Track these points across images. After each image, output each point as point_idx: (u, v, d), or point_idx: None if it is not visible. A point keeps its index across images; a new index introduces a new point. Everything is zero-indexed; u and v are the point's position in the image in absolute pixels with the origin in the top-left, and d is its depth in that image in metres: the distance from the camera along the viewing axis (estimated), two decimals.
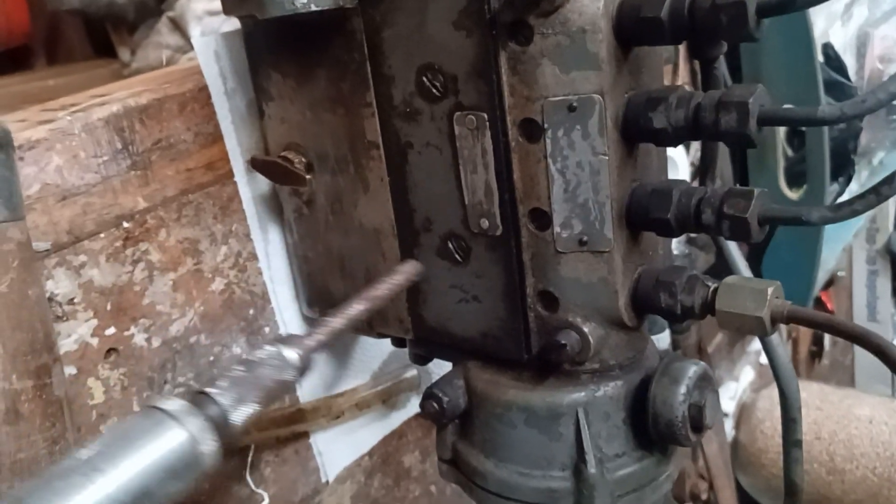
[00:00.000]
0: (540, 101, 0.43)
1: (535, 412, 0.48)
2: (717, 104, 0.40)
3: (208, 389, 0.39)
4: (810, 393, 1.45)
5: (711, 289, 0.44)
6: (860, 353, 1.98)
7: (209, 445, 0.37)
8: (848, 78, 1.30)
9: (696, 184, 0.46)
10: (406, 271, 0.51)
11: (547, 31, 0.42)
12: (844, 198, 1.45)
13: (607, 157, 0.43)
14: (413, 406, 0.75)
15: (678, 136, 0.42)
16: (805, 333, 1.73)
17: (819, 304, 1.71)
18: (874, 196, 0.37)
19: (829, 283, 1.73)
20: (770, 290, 0.42)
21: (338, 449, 0.69)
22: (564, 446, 0.48)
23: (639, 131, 0.43)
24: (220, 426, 0.38)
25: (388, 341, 0.60)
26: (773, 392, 1.43)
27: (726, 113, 0.40)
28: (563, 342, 0.46)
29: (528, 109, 0.44)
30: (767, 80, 1.13)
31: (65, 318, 0.50)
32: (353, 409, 0.68)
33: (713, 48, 0.45)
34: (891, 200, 0.41)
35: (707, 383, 0.48)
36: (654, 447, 0.49)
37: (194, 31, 0.98)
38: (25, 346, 0.43)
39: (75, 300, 0.50)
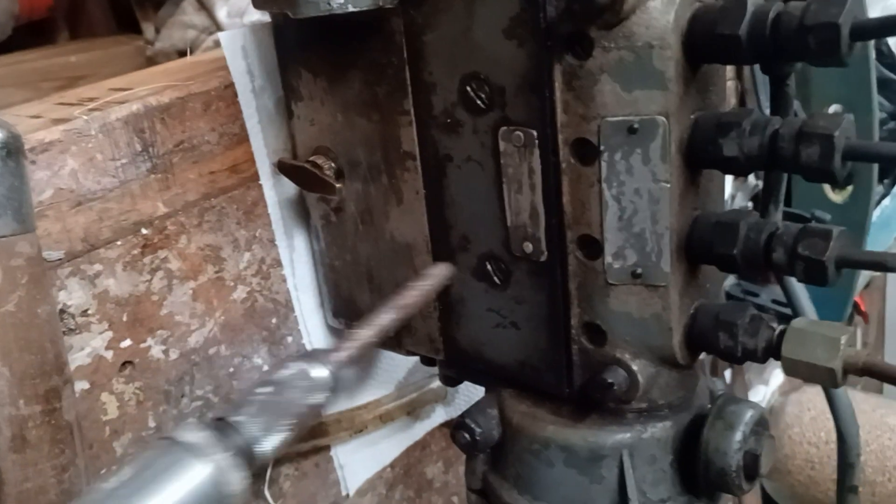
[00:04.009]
0: (596, 120, 0.39)
1: (576, 452, 0.45)
2: (798, 134, 0.36)
3: (233, 418, 0.36)
4: None
5: (777, 332, 0.41)
6: (890, 358, 1.93)
7: (237, 482, 0.34)
8: None
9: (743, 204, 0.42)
10: (437, 275, 0.47)
11: (609, 44, 0.38)
12: (887, 201, 1.39)
13: (669, 185, 0.39)
14: (437, 416, 0.72)
15: (750, 166, 0.38)
16: None
17: (853, 306, 1.66)
18: None
19: (865, 285, 1.68)
20: (843, 339, 0.38)
21: (359, 461, 0.66)
22: (606, 490, 0.45)
23: (706, 158, 0.39)
24: (248, 458, 0.35)
25: None
26: (801, 397, 1.39)
27: (808, 145, 0.36)
28: (610, 381, 0.42)
29: (582, 129, 0.40)
30: (817, 76, 1.08)
31: (77, 331, 0.47)
32: (376, 422, 0.65)
33: (788, 65, 0.41)
34: None
35: (764, 428, 0.44)
36: (700, 492, 0.46)
37: (220, 12, 0.94)
38: (34, 369, 0.40)
39: (89, 312, 0.48)
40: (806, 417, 1.35)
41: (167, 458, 0.33)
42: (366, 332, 0.42)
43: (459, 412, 0.73)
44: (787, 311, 1.00)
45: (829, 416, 1.32)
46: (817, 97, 1.09)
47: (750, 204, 1.02)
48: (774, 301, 1.01)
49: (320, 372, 0.38)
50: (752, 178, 1.05)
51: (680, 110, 0.38)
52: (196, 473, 0.33)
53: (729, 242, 0.39)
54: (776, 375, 1.45)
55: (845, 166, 0.36)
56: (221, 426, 0.35)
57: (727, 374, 1.21)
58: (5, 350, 0.38)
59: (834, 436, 1.31)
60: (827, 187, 1.14)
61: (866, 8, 0.34)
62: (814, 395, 1.36)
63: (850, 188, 1.15)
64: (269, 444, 0.36)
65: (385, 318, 0.43)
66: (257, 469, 0.36)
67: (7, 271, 0.39)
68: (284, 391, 0.37)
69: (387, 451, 0.69)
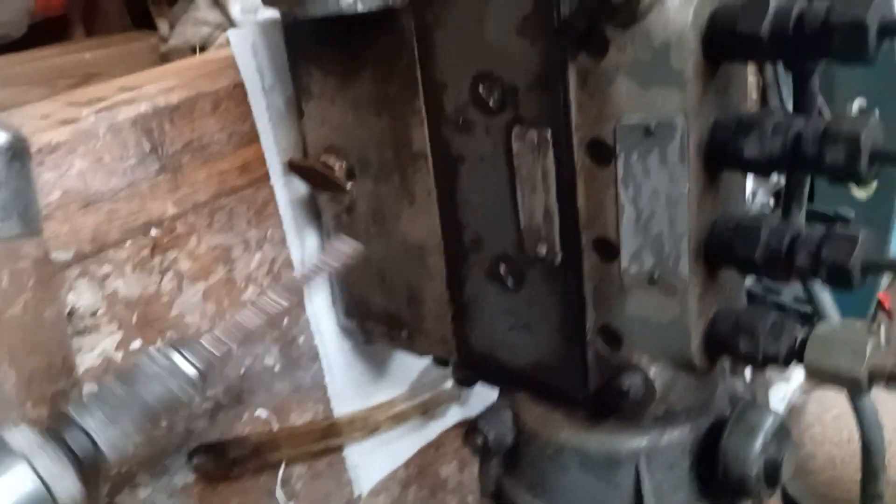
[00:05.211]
0: (612, 120, 0.38)
1: (592, 457, 0.44)
2: (822, 136, 0.35)
3: (72, 411, 0.31)
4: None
5: (800, 338, 0.39)
6: None
7: (67, 490, 0.29)
8: None
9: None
10: (341, 252, 0.43)
11: (625, 43, 0.36)
12: None
13: (687, 188, 0.38)
14: (452, 416, 0.71)
15: (771, 167, 0.37)
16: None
17: (876, 303, 1.63)
18: None
19: (890, 282, 1.65)
20: (869, 346, 0.37)
21: (373, 461, 0.66)
22: (622, 496, 0.44)
23: (725, 159, 0.38)
24: (87, 460, 0.31)
25: None
26: (823, 395, 1.37)
27: (833, 147, 0.34)
28: (625, 387, 0.41)
29: (597, 129, 0.39)
30: (840, 68, 1.06)
31: (87, 333, 0.47)
32: (390, 422, 0.64)
33: (812, 62, 0.40)
34: None
35: (786, 435, 0.43)
36: (719, 498, 0.45)
37: (234, 8, 0.94)
38: (41, 372, 0.40)
39: (98, 313, 0.47)
40: (828, 416, 1.33)
41: None
42: (248, 320, 0.37)
43: (474, 412, 0.72)
44: (808, 309, 0.98)
45: (851, 416, 1.30)
46: (841, 90, 1.07)
47: (772, 200, 1.01)
48: (797, 299, 0.99)
49: (188, 367, 0.33)
50: (774, 174, 1.04)
51: (699, 110, 0.37)
52: (19, 480, 0.28)
53: (750, 245, 0.38)
54: (798, 373, 1.43)
55: (872, 168, 0.34)
56: (62, 425, 0.31)
57: (747, 371, 1.20)
58: (12, 353, 0.38)
59: (856, 435, 1.29)
60: (850, 184, 1.12)
61: (893, 4, 0.33)
62: (836, 394, 1.34)
63: (874, 184, 1.12)
64: (114, 444, 0.31)
65: (272, 304, 0.38)
66: (100, 472, 0.33)
67: (13, 274, 0.38)
68: (141, 383, 0.32)
69: (400, 451, 0.68)
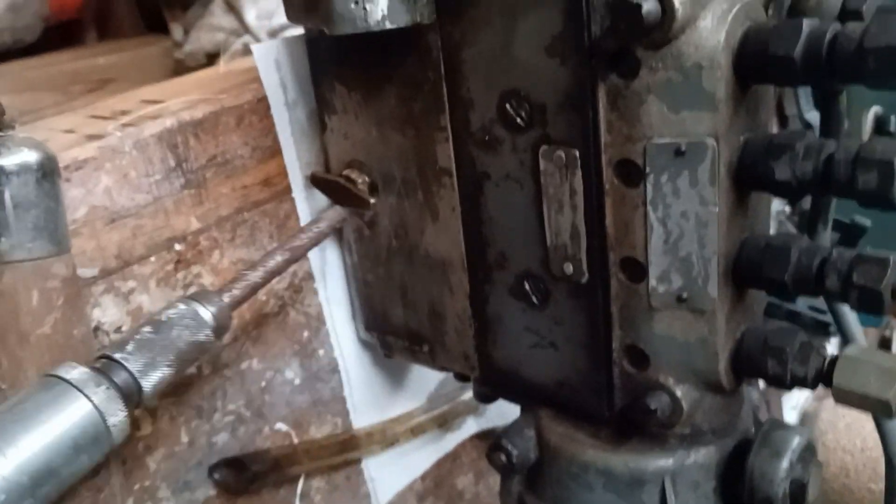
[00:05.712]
0: (642, 141, 0.38)
1: (616, 476, 0.44)
2: (855, 159, 0.35)
3: (115, 354, 0.37)
4: None
5: (828, 360, 0.39)
6: None
7: (117, 416, 0.35)
8: None
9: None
10: (329, 218, 0.51)
11: (656, 64, 0.36)
12: None
13: (717, 209, 0.38)
14: (469, 428, 0.71)
15: (802, 190, 0.37)
16: None
17: None
18: None
19: None
20: None
21: (390, 474, 0.66)
22: None
23: (756, 181, 0.38)
24: (129, 394, 0.37)
25: None
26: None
27: (865, 171, 0.34)
28: (653, 406, 0.41)
29: (627, 150, 0.39)
30: None
31: None
32: (407, 435, 0.64)
33: (844, 85, 0.39)
34: None
35: (812, 455, 0.43)
36: None
37: (249, 14, 0.94)
38: None
39: (123, 328, 0.47)
40: (841, 424, 1.33)
41: (47, 394, 0.35)
42: (254, 274, 0.45)
43: (491, 423, 0.72)
44: (824, 318, 0.98)
45: (865, 423, 1.29)
46: (856, 99, 1.06)
47: (787, 208, 1.00)
48: (811, 308, 0.99)
49: (205, 312, 0.41)
50: None
51: (729, 132, 0.37)
52: (76, 408, 0.34)
53: (780, 267, 0.38)
54: None
55: None
56: (104, 364, 0.37)
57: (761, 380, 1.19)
58: (41, 372, 0.38)
59: (870, 443, 1.28)
60: None
61: None
62: None
63: None
64: (152, 379, 0.37)
65: (274, 260, 0.46)
66: (140, 403, 0.38)
67: (43, 293, 0.38)
68: (168, 329, 0.39)
69: (417, 463, 0.68)
